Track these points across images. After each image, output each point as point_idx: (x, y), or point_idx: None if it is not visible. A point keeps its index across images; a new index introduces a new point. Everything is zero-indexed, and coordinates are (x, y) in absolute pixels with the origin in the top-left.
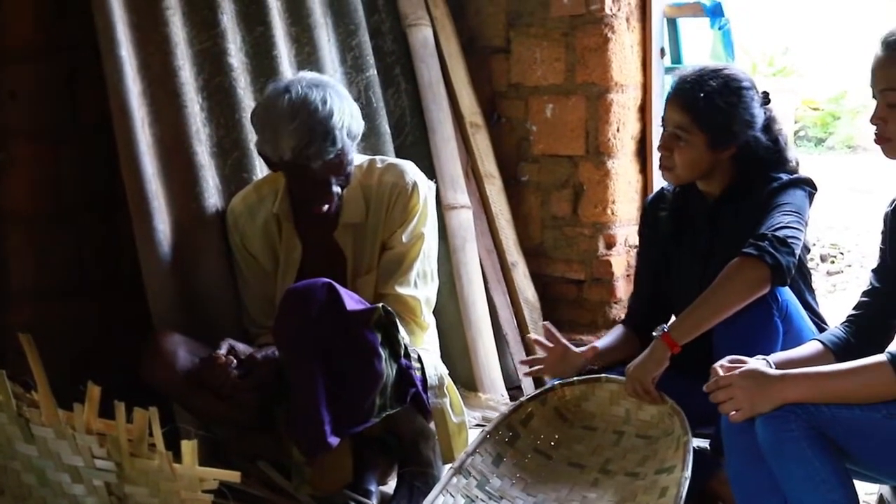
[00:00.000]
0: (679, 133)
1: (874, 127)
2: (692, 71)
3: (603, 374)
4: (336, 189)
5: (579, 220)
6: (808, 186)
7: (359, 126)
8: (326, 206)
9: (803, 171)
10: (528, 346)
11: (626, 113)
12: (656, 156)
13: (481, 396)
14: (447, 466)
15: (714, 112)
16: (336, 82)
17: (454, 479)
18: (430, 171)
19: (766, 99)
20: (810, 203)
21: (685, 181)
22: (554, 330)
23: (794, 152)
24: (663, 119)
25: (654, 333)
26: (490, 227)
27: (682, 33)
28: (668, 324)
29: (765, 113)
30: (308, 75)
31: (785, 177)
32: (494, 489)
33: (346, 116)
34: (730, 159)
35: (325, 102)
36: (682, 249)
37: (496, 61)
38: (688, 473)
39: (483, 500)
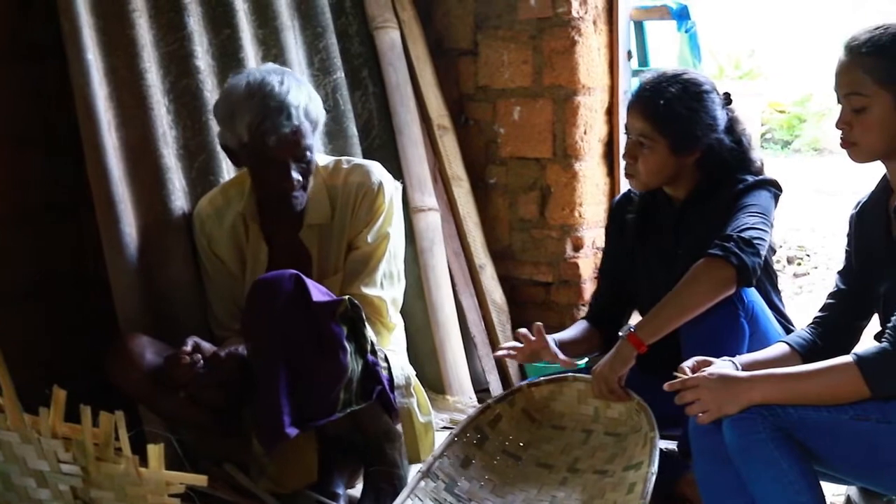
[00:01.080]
0: (642, 140)
1: (840, 131)
2: (651, 77)
3: (570, 374)
4: (296, 175)
5: (547, 222)
6: (774, 188)
7: (318, 110)
8: (293, 196)
9: (769, 173)
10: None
11: (593, 115)
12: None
13: (449, 399)
14: (414, 468)
15: (675, 118)
16: (301, 73)
17: (422, 483)
18: (398, 174)
19: (727, 100)
20: (776, 204)
21: (651, 187)
22: (543, 332)
23: (758, 152)
24: (626, 126)
25: (620, 333)
26: (458, 229)
27: (648, 36)
28: (635, 324)
29: (727, 114)
30: (269, 64)
31: (750, 178)
32: (463, 492)
33: (304, 98)
34: (695, 163)
35: (281, 83)
36: (649, 251)
37: (464, 64)
38: (654, 469)
39: (452, 503)
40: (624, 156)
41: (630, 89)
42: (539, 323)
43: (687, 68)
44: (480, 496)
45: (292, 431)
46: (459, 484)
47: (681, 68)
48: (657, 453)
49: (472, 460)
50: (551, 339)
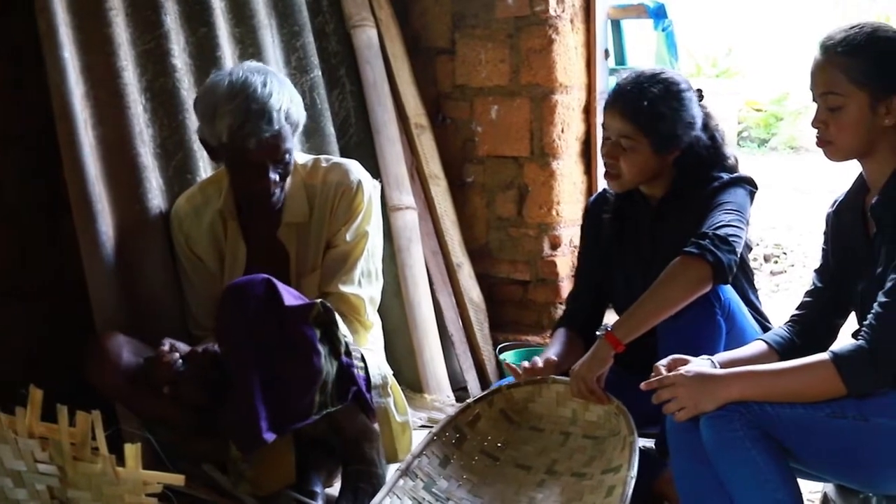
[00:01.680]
0: (623, 141)
1: (815, 130)
2: (630, 78)
3: (549, 376)
4: (274, 176)
5: (524, 220)
6: (749, 185)
7: (299, 113)
8: (270, 196)
9: (744, 170)
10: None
11: (570, 114)
12: (601, 157)
13: (427, 397)
14: (393, 467)
15: (659, 119)
16: (279, 72)
17: (400, 482)
18: (375, 172)
19: (700, 96)
20: (751, 201)
21: (632, 187)
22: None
23: (731, 149)
24: (605, 127)
25: (597, 333)
26: (435, 227)
27: (625, 35)
28: (612, 323)
29: (701, 111)
30: (251, 63)
31: (726, 176)
32: (441, 491)
33: (286, 101)
34: (673, 161)
35: (264, 85)
36: (625, 251)
37: (441, 62)
38: (634, 472)
39: (430, 502)
40: (604, 156)
41: (607, 88)
42: (552, 358)
43: (663, 67)
44: (458, 496)
45: (270, 436)
46: (438, 483)
47: (657, 68)
48: (636, 457)
49: (451, 459)
50: (540, 359)
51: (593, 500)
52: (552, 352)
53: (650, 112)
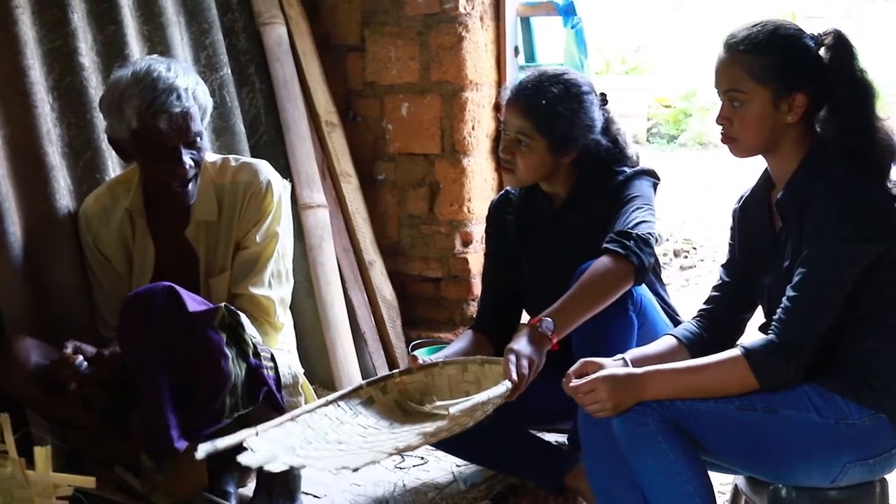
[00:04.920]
0: (521, 138)
1: (720, 127)
2: (532, 76)
3: (440, 360)
4: (188, 160)
5: (436, 218)
6: (652, 177)
7: (206, 97)
8: (184, 184)
9: (647, 164)
10: None
11: (480, 111)
12: (499, 152)
13: None
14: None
15: (556, 119)
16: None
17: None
18: (286, 170)
19: (603, 100)
20: (655, 193)
21: (527, 184)
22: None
23: (633, 149)
24: (504, 123)
25: (538, 330)
26: (347, 225)
27: (535, 32)
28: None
29: (603, 115)
30: (153, 56)
31: (628, 170)
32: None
33: (192, 82)
34: (571, 162)
35: (168, 69)
36: (531, 251)
37: (351, 60)
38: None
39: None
40: (501, 151)
41: None
42: (414, 354)
43: (567, 68)
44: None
45: (182, 444)
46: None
47: (561, 68)
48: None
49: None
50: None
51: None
52: (448, 350)
53: (547, 111)
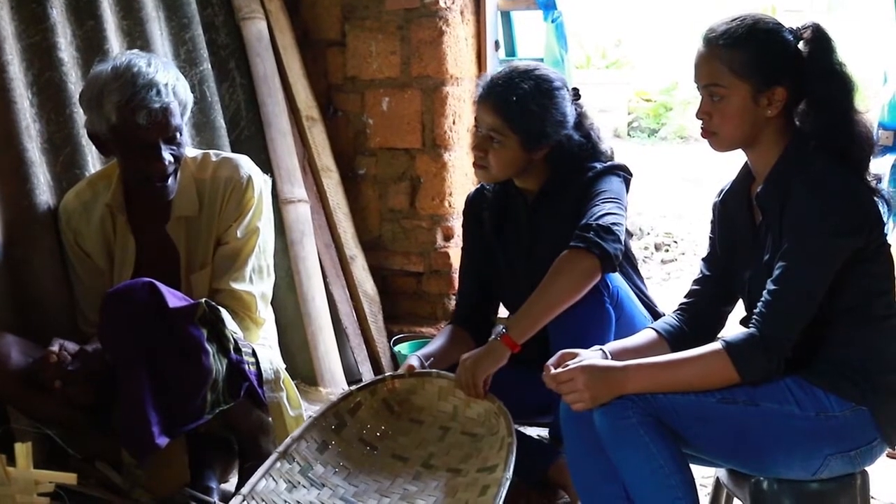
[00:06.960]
0: (493, 135)
1: (700, 121)
2: (503, 72)
3: (434, 370)
4: (167, 156)
5: (417, 212)
6: (623, 172)
7: (186, 92)
8: (164, 178)
9: (626, 160)
10: None
11: (461, 105)
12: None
13: (322, 391)
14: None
15: (527, 115)
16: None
17: (278, 464)
18: (267, 165)
19: (576, 95)
20: (627, 188)
21: (500, 180)
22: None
23: (607, 144)
24: (476, 119)
25: (493, 336)
26: (328, 220)
27: (515, 26)
28: (507, 324)
29: (576, 110)
30: (134, 51)
31: (599, 166)
32: (317, 476)
33: (172, 78)
34: (543, 157)
35: (149, 64)
36: (506, 246)
37: (332, 54)
38: (509, 474)
39: (305, 487)
40: (473, 148)
41: None
42: (412, 363)
43: (538, 64)
44: (334, 482)
45: (163, 441)
46: (314, 468)
47: (532, 63)
48: (513, 459)
49: (329, 445)
50: (416, 357)
51: (466, 498)
52: (428, 348)
53: (518, 108)
